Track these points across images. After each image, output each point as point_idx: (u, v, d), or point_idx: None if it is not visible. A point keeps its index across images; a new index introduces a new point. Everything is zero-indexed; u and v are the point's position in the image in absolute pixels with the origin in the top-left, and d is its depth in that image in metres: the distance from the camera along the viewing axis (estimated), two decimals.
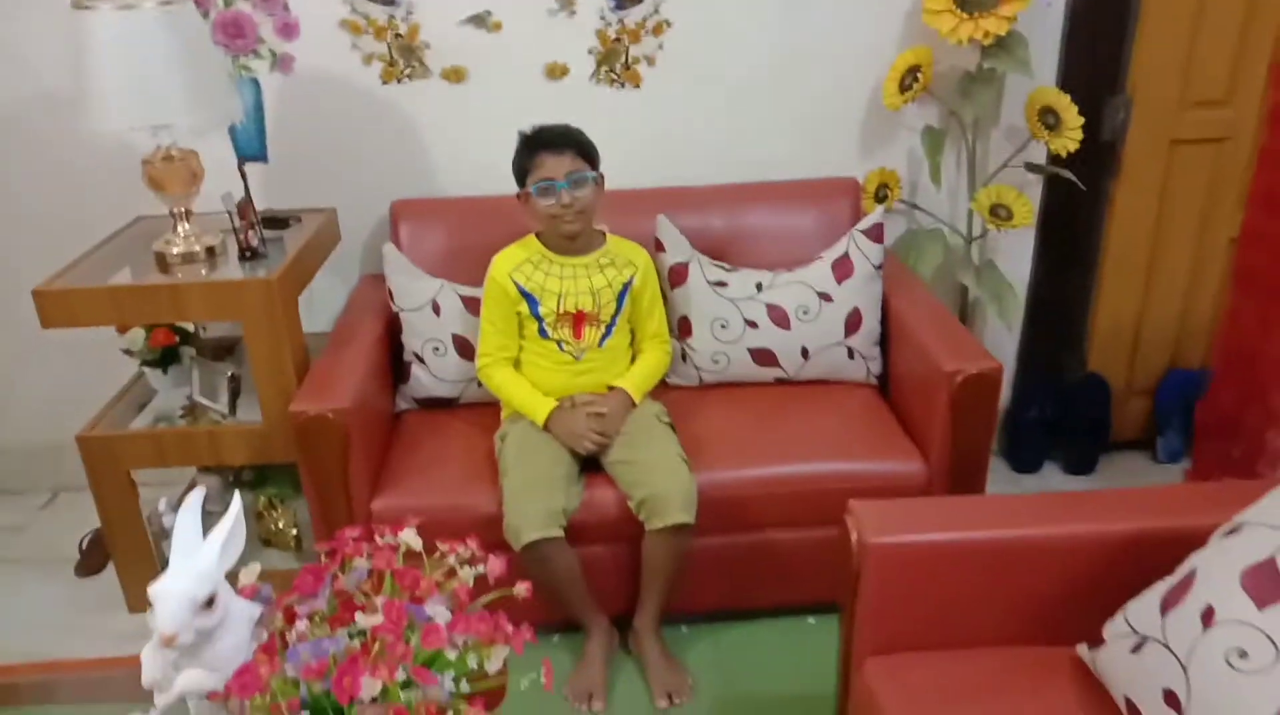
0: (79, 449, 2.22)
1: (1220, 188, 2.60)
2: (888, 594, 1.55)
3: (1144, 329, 2.78)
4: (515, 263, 2.17)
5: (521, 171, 2.11)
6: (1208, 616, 1.25)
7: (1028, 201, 2.45)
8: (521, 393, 2.17)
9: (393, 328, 2.36)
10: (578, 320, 2.17)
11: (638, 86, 2.54)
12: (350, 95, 2.49)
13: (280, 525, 2.44)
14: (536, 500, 1.98)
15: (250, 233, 2.19)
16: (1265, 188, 2.02)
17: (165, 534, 2.38)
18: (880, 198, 2.58)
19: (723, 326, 2.32)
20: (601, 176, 2.12)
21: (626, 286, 2.20)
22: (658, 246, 2.35)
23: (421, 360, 2.31)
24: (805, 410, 2.30)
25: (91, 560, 2.55)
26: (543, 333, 2.17)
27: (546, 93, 2.52)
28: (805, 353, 2.33)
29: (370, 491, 2.09)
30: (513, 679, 1.27)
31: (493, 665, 1.20)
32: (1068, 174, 2.46)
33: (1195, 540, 1.37)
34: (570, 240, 2.15)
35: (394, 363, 2.38)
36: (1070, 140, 2.39)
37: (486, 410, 2.31)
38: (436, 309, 2.29)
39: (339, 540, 1.30)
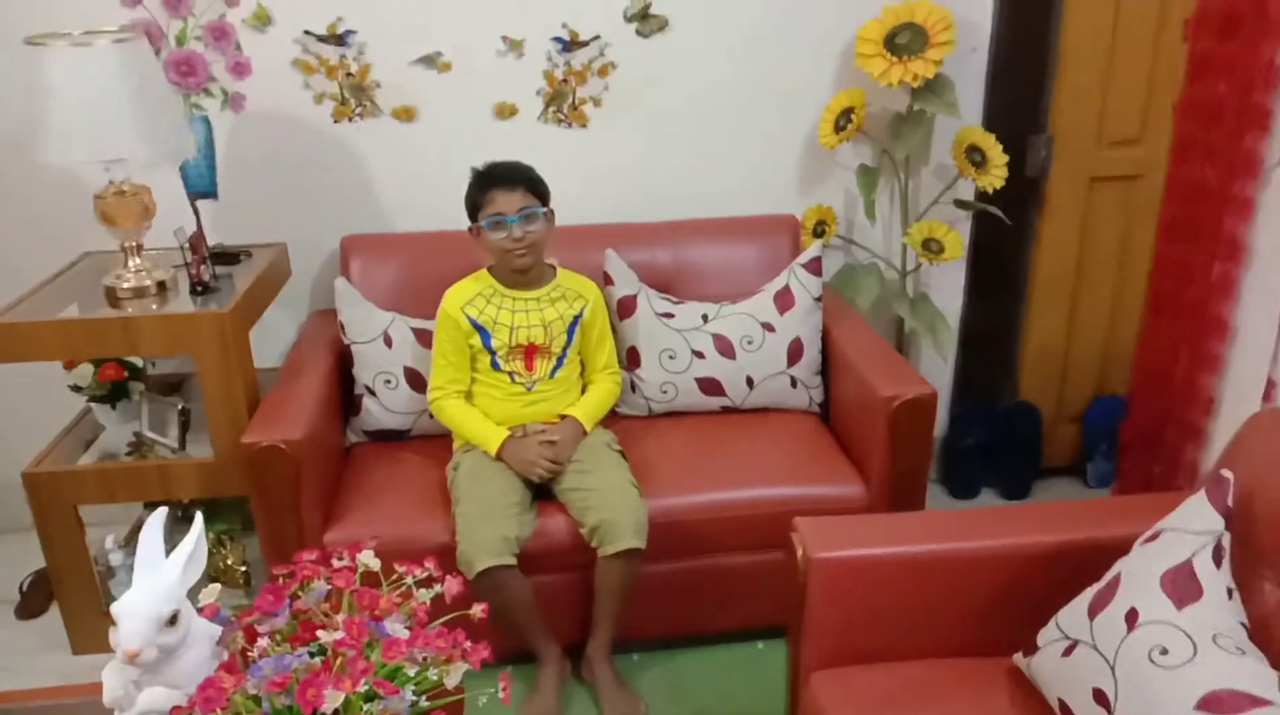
0: (25, 485, 2.20)
1: (1136, 222, 2.74)
2: (833, 608, 1.60)
3: (1071, 357, 2.91)
4: (468, 297, 2.21)
5: (474, 206, 2.16)
6: (1132, 618, 1.33)
7: (958, 236, 2.56)
8: (474, 423, 2.20)
9: (343, 362, 2.38)
10: (529, 353, 2.21)
11: (585, 126, 2.62)
12: (302, 133, 2.53)
13: (229, 561, 2.43)
14: (489, 529, 2.00)
15: (202, 267, 2.21)
16: (1170, 217, 2.15)
17: (112, 572, 2.36)
18: (818, 233, 2.68)
19: (670, 357, 2.39)
20: (552, 212, 2.18)
21: (577, 319, 2.25)
22: (606, 280, 2.41)
23: (373, 393, 2.33)
24: (750, 437, 2.36)
25: (33, 602, 2.51)
26: (495, 365, 2.21)
27: (496, 132, 2.58)
28: (750, 382, 2.40)
29: (323, 523, 2.10)
30: (470, 696, 1.29)
31: (451, 680, 1.23)
32: (995, 210, 2.58)
33: (1122, 549, 1.45)
34: (522, 274, 2.20)
35: (344, 397, 2.39)
36: (996, 178, 2.51)
37: (437, 442, 2.34)
38: (388, 341, 2.32)
39: (297, 563, 1.33)
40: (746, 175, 2.71)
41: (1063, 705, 1.39)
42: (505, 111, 2.58)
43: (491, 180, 2.14)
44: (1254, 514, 1.40)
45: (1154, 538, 1.41)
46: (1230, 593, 1.33)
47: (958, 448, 2.91)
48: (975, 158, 2.52)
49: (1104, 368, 2.92)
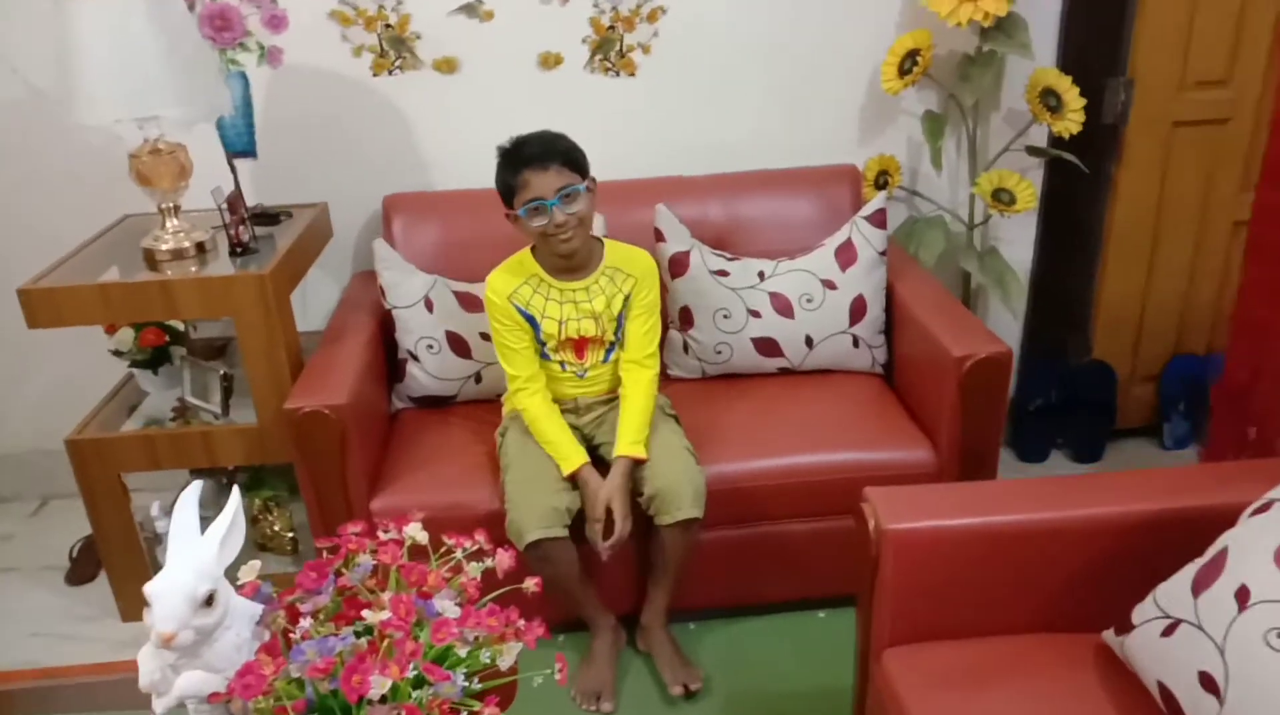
0: (68, 453, 2.16)
1: (1222, 170, 2.56)
2: (906, 582, 1.50)
3: (1148, 314, 2.75)
4: (512, 287, 2.03)
5: (506, 190, 1.93)
6: (1242, 596, 1.21)
7: (1030, 185, 2.42)
8: (554, 432, 2.01)
9: (386, 325, 2.31)
10: (579, 345, 2.08)
11: (633, 75, 2.50)
12: (340, 88, 2.45)
13: (276, 528, 2.39)
14: (539, 499, 1.93)
15: (241, 228, 2.14)
16: (1276, 159, 1.98)
17: (158, 539, 2.33)
18: (880, 185, 2.55)
19: (725, 316, 2.28)
20: (593, 182, 1.96)
21: (626, 303, 2.08)
22: (657, 236, 2.30)
23: (416, 358, 2.26)
24: (810, 400, 2.26)
25: (82, 568, 2.50)
26: (544, 355, 2.09)
27: (540, 83, 2.48)
28: (809, 342, 2.29)
29: (369, 490, 2.05)
30: (524, 676, 1.22)
31: (505, 662, 1.16)
32: (1070, 157, 2.43)
33: (1217, 520, 1.33)
34: (568, 258, 2.00)
35: (390, 360, 2.33)
36: (1072, 122, 2.36)
37: (485, 407, 2.27)
38: (429, 306, 2.24)
39: (341, 536, 1.26)
40: (804, 124, 2.58)
41: (1163, 689, 1.28)
42: (550, 61, 2.47)
43: (521, 160, 1.89)
44: None
45: (1264, 509, 1.29)
46: None
47: (1027, 409, 2.78)
48: (1050, 101, 2.37)
49: (1182, 326, 2.76)
